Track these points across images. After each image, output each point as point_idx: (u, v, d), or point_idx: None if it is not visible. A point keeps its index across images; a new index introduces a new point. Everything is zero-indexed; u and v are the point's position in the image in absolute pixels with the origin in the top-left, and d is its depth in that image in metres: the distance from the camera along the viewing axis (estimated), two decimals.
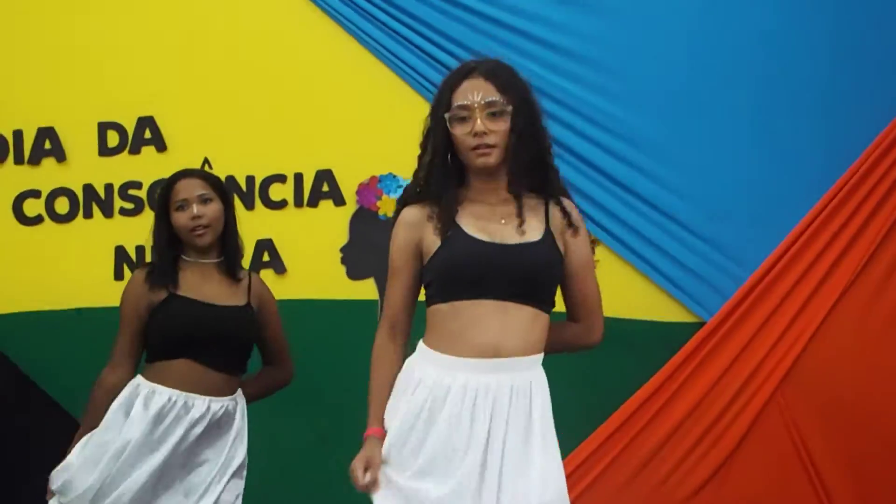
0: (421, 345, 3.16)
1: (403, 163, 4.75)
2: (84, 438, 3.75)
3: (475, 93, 3.08)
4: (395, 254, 3.22)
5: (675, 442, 4.63)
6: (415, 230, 3.17)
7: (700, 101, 4.67)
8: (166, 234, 3.83)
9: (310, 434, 4.71)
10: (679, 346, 4.63)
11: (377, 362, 3.24)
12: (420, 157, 3.23)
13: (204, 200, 3.81)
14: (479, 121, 3.06)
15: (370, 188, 4.86)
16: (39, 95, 5.04)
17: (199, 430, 3.72)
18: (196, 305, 3.77)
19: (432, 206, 3.15)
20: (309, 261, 4.91)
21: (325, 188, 4.91)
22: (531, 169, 3.13)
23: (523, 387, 3.05)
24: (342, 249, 4.90)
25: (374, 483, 3.07)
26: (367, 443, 3.12)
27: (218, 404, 3.76)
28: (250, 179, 4.91)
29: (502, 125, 3.07)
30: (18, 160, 5.04)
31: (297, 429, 4.55)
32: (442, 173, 3.14)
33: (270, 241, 4.86)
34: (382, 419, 3.15)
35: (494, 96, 3.07)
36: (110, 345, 3.97)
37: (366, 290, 4.87)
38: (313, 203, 4.93)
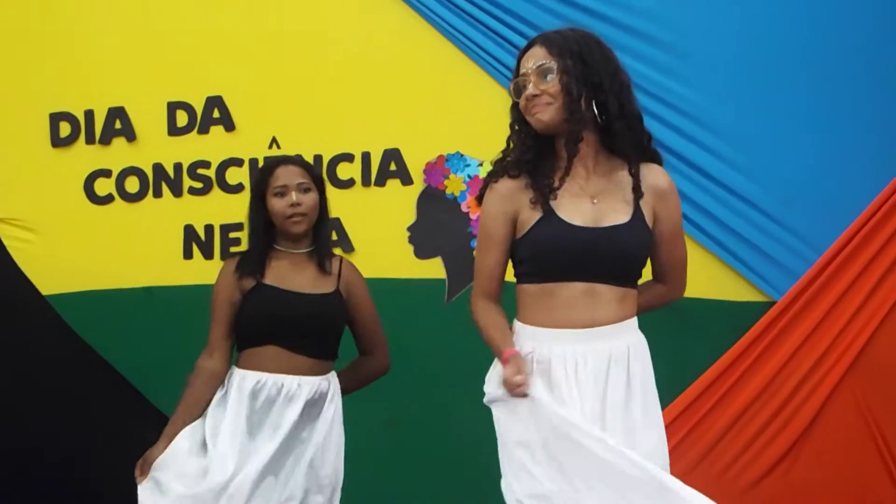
0: (516, 323, 3.23)
1: (470, 142, 4.84)
2: (190, 427, 3.81)
3: (530, 60, 3.16)
4: (489, 223, 3.26)
5: (743, 424, 4.63)
6: (510, 201, 3.22)
7: (770, 83, 4.67)
8: (262, 219, 3.90)
9: (378, 414, 4.76)
10: (748, 326, 4.63)
11: (481, 315, 3.27)
12: (510, 130, 3.27)
13: (303, 189, 3.88)
14: (531, 85, 3.12)
15: (437, 167, 4.89)
16: (110, 76, 5.12)
17: (295, 407, 3.79)
18: (281, 294, 3.85)
19: (526, 179, 3.19)
20: (376, 240, 4.96)
21: (393, 167, 4.95)
22: (618, 133, 3.14)
23: (621, 352, 3.12)
24: (409, 228, 4.94)
25: (524, 383, 3.06)
26: (512, 359, 3.11)
27: (308, 384, 3.82)
28: (318, 158, 4.96)
29: (552, 84, 3.10)
30: (89, 140, 5.13)
31: (364, 409, 4.59)
32: (521, 142, 3.20)
33: (338, 220, 4.91)
34: (513, 344, 3.16)
35: (543, 59, 3.12)
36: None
37: (433, 268, 4.92)
38: (381, 182, 4.97)
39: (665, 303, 3.40)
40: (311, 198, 3.89)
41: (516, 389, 3.06)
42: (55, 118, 5.13)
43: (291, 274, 3.90)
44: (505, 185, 3.23)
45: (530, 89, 3.12)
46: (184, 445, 3.77)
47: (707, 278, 4.62)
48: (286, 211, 3.85)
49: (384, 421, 4.86)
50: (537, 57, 3.14)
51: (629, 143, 3.17)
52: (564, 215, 3.13)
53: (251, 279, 3.86)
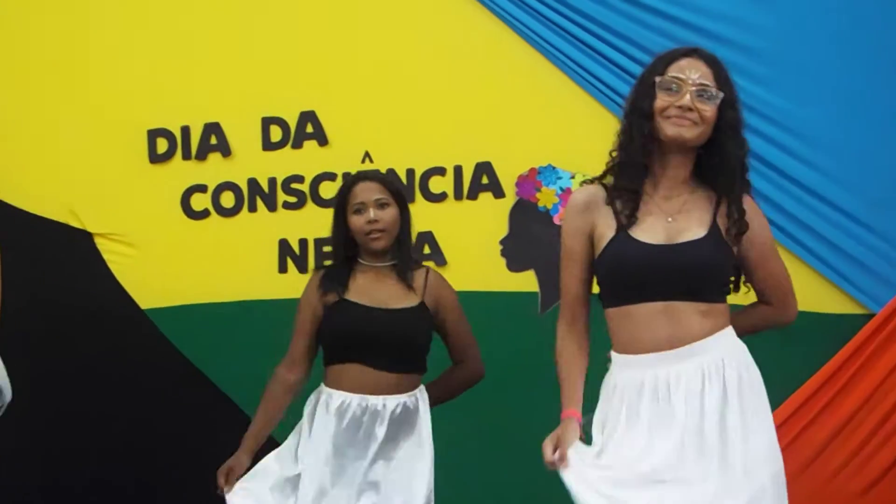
0: (612, 352, 3.23)
1: (562, 154, 4.85)
2: (281, 448, 3.89)
3: (692, 70, 3.15)
4: (566, 238, 3.29)
5: (847, 435, 4.56)
6: (586, 214, 3.23)
7: (859, 86, 4.61)
8: (343, 235, 3.95)
9: (470, 426, 4.78)
10: (847, 338, 4.57)
11: (560, 353, 3.30)
12: (625, 129, 3.26)
13: (381, 205, 3.90)
14: (688, 96, 3.11)
15: (529, 180, 4.90)
16: (205, 92, 5.22)
17: (382, 428, 3.82)
18: (363, 310, 3.88)
19: (609, 190, 3.20)
20: (469, 253, 4.98)
21: (485, 180, 4.98)
22: (729, 169, 3.17)
23: (715, 366, 3.10)
24: (502, 241, 4.96)
25: (561, 460, 3.11)
26: (563, 423, 3.18)
27: (394, 402, 3.86)
28: (410, 172, 5.00)
29: (709, 108, 3.12)
30: (186, 156, 5.23)
31: (458, 421, 4.62)
32: (640, 138, 3.17)
33: (430, 233, 4.94)
34: (578, 402, 3.21)
35: (709, 81, 3.14)
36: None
37: (526, 281, 4.93)
38: (473, 195, 4.99)
39: (775, 324, 3.40)
40: (389, 213, 3.92)
41: (546, 463, 3.12)
42: (152, 134, 5.24)
43: (375, 288, 3.93)
44: (582, 197, 3.25)
45: (687, 100, 3.11)
46: (273, 466, 3.86)
47: (802, 290, 4.55)
48: (364, 228, 3.89)
49: (478, 434, 4.88)
50: (703, 75, 3.14)
51: (736, 177, 3.19)
52: (638, 233, 3.15)
53: (334, 294, 3.91)
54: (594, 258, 3.23)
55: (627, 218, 3.15)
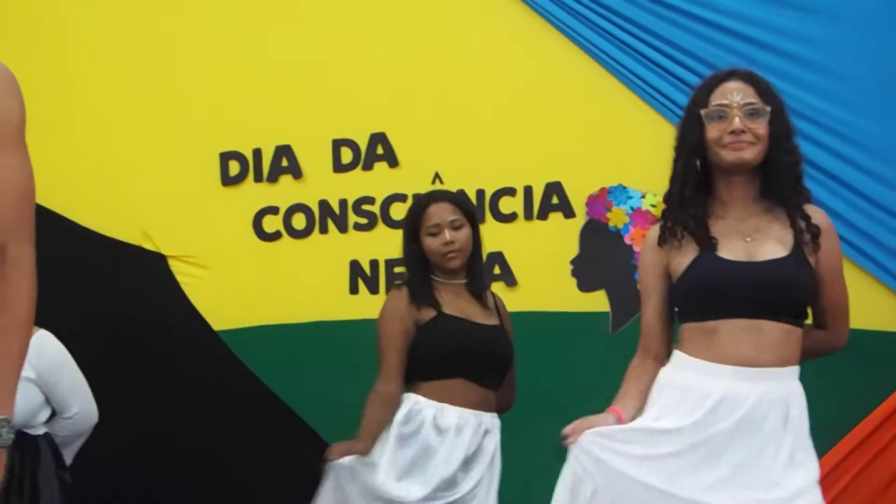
0: (676, 352, 3.24)
1: (632, 174, 4.85)
2: (388, 456, 3.86)
3: (734, 93, 3.17)
4: (642, 275, 3.33)
5: None
6: (660, 250, 3.26)
7: None
8: (417, 255, 3.98)
9: (542, 446, 4.77)
10: None
11: (627, 374, 3.32)
12: (674, 162, 3.30)
13: (456, 226, 3.93)
14: (737, 119, 3.13)
15: (600, 200, 4.90)
16: (276, 115, 5.28)
17: (491, 444, 3.86)
18: (465, 324, 3.91)
19: (672, 220, 3.23)
20: (539, 273, 4.98)
21: (555, 200, 4.99)
22: (783, 178, 3.17)
23: (780, 397, 3.10)
24: (572, 261, 4.96)
25: (573, 432, 3.14)
26: (602, 416, 3.19)
27: (487, 418, 3.89)
28: (480, 193, 5.02)
29: (761, 126, 3.14)
30: (258, 178, 5.29)
31: (529, 441, 4.63)
32: (685, 173, 3.22)
33: (501, 253, 4.95)
34: (626, 406, 3.21)
35: (754, 98, 3.16)
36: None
37: (597, 301, 4.93)
38: (543, 215, 5.00)
39: (827, 351, 3.37)
40: (463, 234, 3.95)
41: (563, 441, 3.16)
42: (225, 157, 5.32)
43: (462, 304, 3.96)
44: (655, 233, 3.29)
45: (737, 124, 3.13)
46: (380, 476, 3.82)
47: (876, 308, 4.51)
48: (441, 249, 3.92)
49: (550, 453, 4.87)
50: (746, 94, 3.16)
51: (790, 185, 3.19)
52: (722, 252, 3.16)
53: (430, 309, 3.93)
54: (671, 288, 3.25)
55: (708, 240, 3.17)
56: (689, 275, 3.18)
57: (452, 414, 3.84)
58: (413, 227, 4.00)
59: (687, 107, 3.31)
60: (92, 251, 5.23)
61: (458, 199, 4.10)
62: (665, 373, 3.23)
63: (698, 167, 3.22)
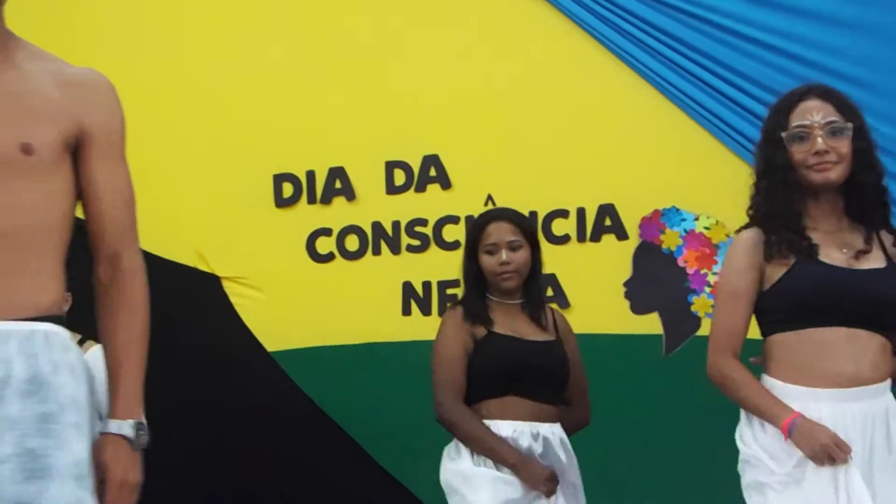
0: (766, 380, 3.21)
1: (686, 196, 4.83)
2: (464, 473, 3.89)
3: (814, 113, 3.18)
4: (734, 277, 3.30)
5: None
6: (756, 254, 3.25)
7: None
8: (475, 273, 3.99)
9: (594, 468, 4.77)
10: None
11: (738, 369, 3.24)
12: (756, 184, 3.31)
13: (514, 247, 3.94)
14: (819, 139, 3.14)
15: (653, 222, 4.89)
16: (330, 137, 5.30)
17: (563, 454, 3.89)
18: (515, 342, 3.92)
19: (769, 232, 3.22)
20: (592, 295, 4.97)
21: (608, 222, 4.98)
22: (867, 195, 3.17)
23: (880, 413, 3.11)
24: (625, 283, 4.95)
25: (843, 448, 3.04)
26: (805, 423, 3.07)
27: (545, 427, 3.89)
28: (533, 215, 4.98)
29: (843, 143, 3.15)
30: (311, 200, 5.31)
31: (584, 463, 4.64)
32: (782, 194, 3.22)
33: (554, 276, 4.93)
34: (787, 406, 3.12)
35: (834, 116, 3.16)
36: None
37: (650, 324, 4.91)
38: (596, 238, 4.99)
39: None
40: (521, 255, 3.97)
41: (840, 454, 3.01)
42: (278, 179, 5.34)
43: (514, 322, 3.97)
44: (751, 237, 3.27)
45: (820, 144, 3.14)
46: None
47: None
48: (496, 269, 3.94)
49: (599, 475, 4.87)
50: (826, 112, 3.18)
51: (874, 201, 3.21)
52: (822, 258, 3.16)
53: (482, 327, 3.94)
54: (762, 292, 3.22)
55: (809, 246, 3.16)
56: (787, 279, 3.18)
57: (506, 427, 3.85)
58: (472, 244, 4.03)
59: (765, 128, 3.32)
60: (146, 272, 5.28)
61: (518, 219, 4.10)
62: None
63: (791, 183, 3.21)
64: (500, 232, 3.98)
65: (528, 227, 4.08)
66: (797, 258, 3.16)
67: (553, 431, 3.91)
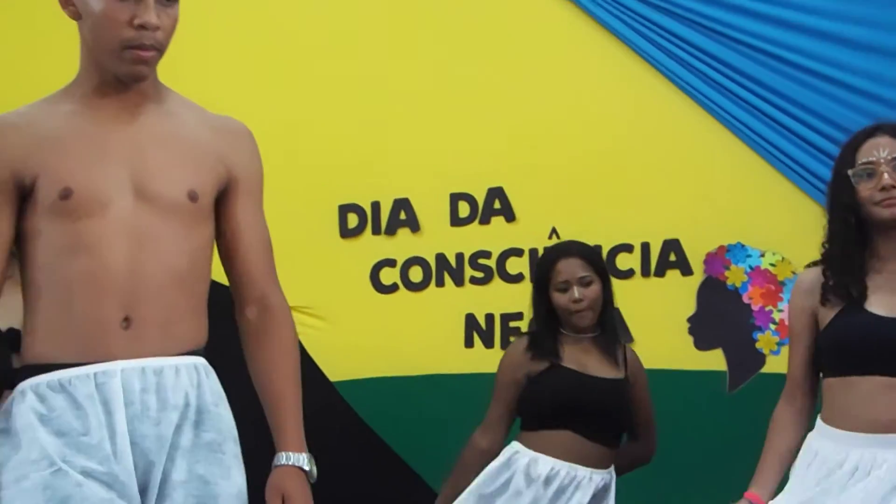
0: (818, 420, 3.23)
1: (752, 232, 4.83)
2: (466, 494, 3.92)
3: (881, 149, 3.17)
4: (791, 319, 3.33)
5: None
6: (810, 296, 3.26)
7: None
8: (545, 309, 4.00)
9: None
10: None
11: (770, 430, 3.32)
12: (829, 223, 3.30)
13: (585, 283, 3.95)
14: (886, 175, 3.12)
15: (718, 258, 4.89)
16: (395, 169, 5.35)
17: (584, 499, 3.84)
18: (579, 377, 3.93)
19: (827, 274, 3.23)
20: (656, 331, 4.96)
21: (672, 258, 4.98)
22: None
23: None
24: (689, 319, 4.94)
25: None
26: None
27: (598, 476, 3.88)
28: (597, 249, 5.00)
29: None
30: (376, 231, 5.36)
31: (644, 501, 4.63)
32: (843, 234, 3.21)
33: (618, 310, 4.92)
34: (764, 485, 3.21)
35: None
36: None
37: (714, 360, 4.90)
38: (660, 273, 5.00)
39: None
40: (593, 290, 3.97)
41: None
42: (343, 210, 5.40)
43: (583, 357, 3.98)
44: (807, 278, 3.28)
45: (886, 180, 3.13)
46: None
47: None
48: (570, 307, 3.94)
49: None
50: (893, 149, 3.16)
51: None
52: (870, 306, 3.15)
53: (546, 360, 3.94)
54: (818, 335, 3.24)
55: (859, 292, 3.16)
56: (832, 326, 3.18)
57: (545, 464, 3.84)
58: (542, 280, 4.03)
59: (835, 167, 3.32)
60: (210, 302, 5.33)
61: (588, 253, 4.11)
62: (808, 441, 3.22)
63: (853, 224, 3.21)
64: (570, 268, 3.98)
65: (597, 261, 4.09)
66: (845, 304, 3.16)
67: (592, 477, 3.88)
